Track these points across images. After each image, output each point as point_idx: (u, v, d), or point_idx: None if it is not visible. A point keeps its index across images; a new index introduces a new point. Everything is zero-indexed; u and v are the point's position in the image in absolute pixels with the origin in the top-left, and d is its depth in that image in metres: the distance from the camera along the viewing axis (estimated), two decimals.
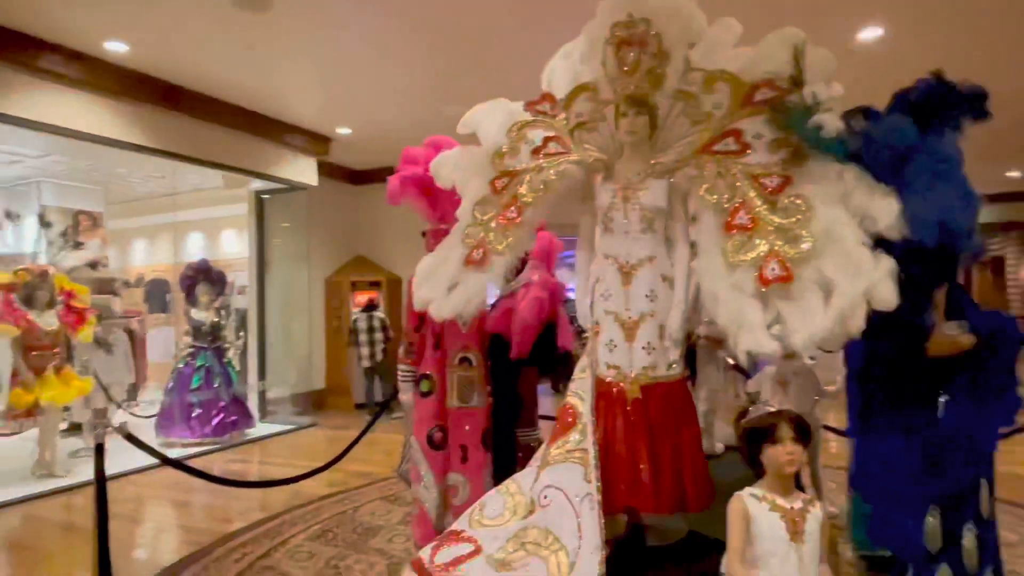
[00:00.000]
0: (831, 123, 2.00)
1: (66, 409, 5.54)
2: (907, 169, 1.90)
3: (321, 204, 8.39)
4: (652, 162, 2.35)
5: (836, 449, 4.59)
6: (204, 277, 6.69)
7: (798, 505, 1.63)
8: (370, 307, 7.96)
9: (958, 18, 4.77)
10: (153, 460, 5.15)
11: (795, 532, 1.59)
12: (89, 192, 7.96)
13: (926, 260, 1.96)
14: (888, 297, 1.81)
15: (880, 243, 1.91)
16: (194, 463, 3.45)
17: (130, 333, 6.66)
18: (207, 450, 6.14)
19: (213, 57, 5.29)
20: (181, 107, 5.95)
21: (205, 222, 9.34)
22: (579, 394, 2.43)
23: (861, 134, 2.00)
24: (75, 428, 6.09)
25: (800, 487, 1.71)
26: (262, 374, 7.78)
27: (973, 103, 2.09)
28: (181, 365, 6.58)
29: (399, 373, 3.25)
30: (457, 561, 2.24)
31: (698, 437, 2.31)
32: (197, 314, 6.65)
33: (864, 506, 2.45)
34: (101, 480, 2.65)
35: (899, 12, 4.71)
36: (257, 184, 7.67)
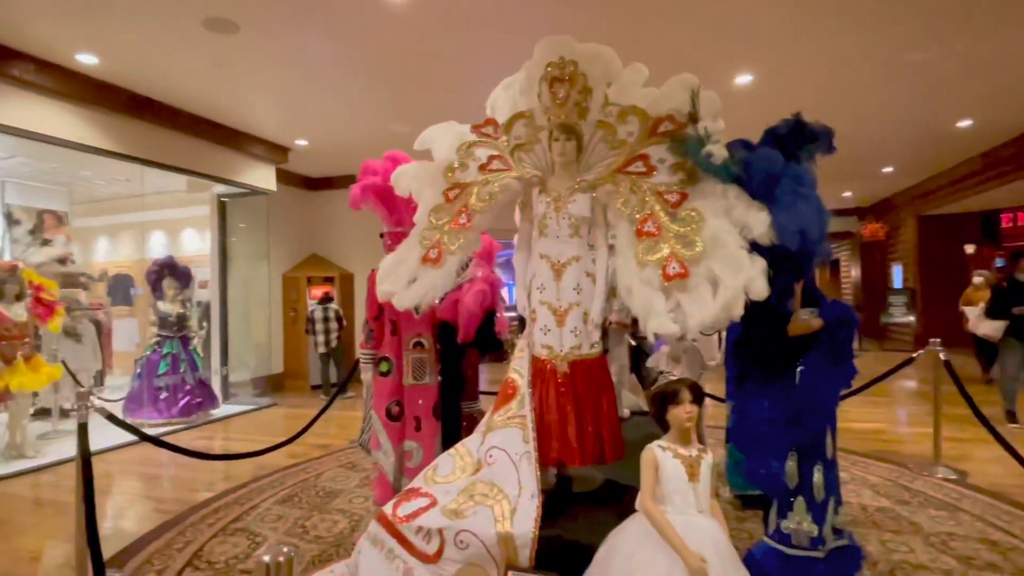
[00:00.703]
0: (718, 152, 2.16)
1: (35, 395, 5.11)
2: (775, 189, 2.09)
3: (279, 207, 8.10)
4: (578, 179, 2.44)
5: (712, 412, 4.91)
6: (170, 272, 6.32)
7: (695, 453, 1.78)
8: (325, 299, 7.76)
9: (814, 68, 5.18)
10: (118, 440, 4.89)
11: (692, 474, 1.74)
12: (54, 192, 7.31)
13: (789, 261, 2.16)
14: (761, 290, 1.99)
15: (755, 247, 2.09)
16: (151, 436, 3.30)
17: (97, 324, 6.19)
18: (174, 429, 5.82)
19: (181, 72, 5.01)
20: (148, 116, 5.59)
21: (168, 222, 8.79)
22: (518, 371, 2.51)
23: (741, 161, 2.17)
24: (43, 413, 5.63)
25: (700, 439, 1.86)
26: (224, 360, 7.42)
27: (823, 139, 2.31)
28: (149, 352, 6.19)
29: (360, 356, 3.23)
30: (416, 513, 2.27)
31: (614, 403, 2.44)
32: (164, 306, 6.27)
33: (738, 456, 2.67)
34: (86, 457, 2.50)
35: (765, 63, 5.07)
36: (219, 188, 7.30)
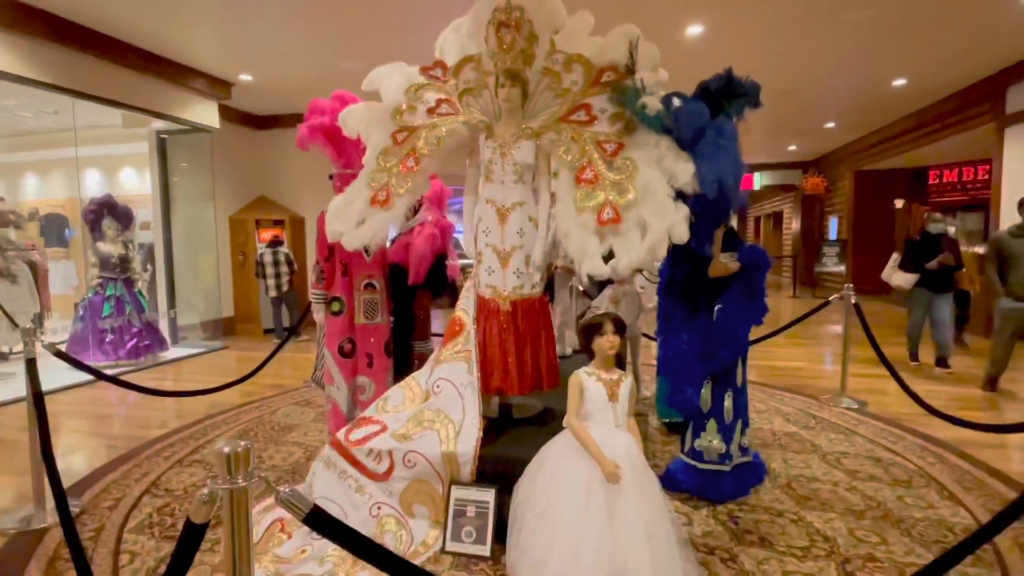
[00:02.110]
0: (652, 103, 2.29)
1: None
2: (700, 142, 2.26)
3: (224, 146, 7.79)
4: (523, 126, 2.54)
5: (654, 351, 5.28)
6: (109, 211, 6.09)
7: (615, 377, 2.01)
8: (275, 243, 7.64)
9: (762, 22, 5.31)
10: (64, 382, 4.85)
11: (612, 395, 1.97)
12: None
13: (709, 208, 2.37)
14: (683, 234, 2.18)
15: (680, 195, 2.27)
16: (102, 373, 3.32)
17: (32, 265, 5.95)
18: (122, 371, 5.77)
19: None
20: (76, 44, 5.23)
21: (103, 159, 8.31)
22: (464, 309, 2.68)
23: (673, 113, 2.32)
24: None
25: (621, 367, 2.08)
26: (172, 303, 7.30)
27: (751, 95, 2.48)
28: (91, 295, 6.03)
29: (311, 296, 3.31)
30: (367, 438, 2.46)
31: (552, 339, 2.65)
32: (104, 247, 6.07)
33: (667, 387, 2.96)
34: (38, 393, 2.54)
35: (715, 14, 5.16)
36: (158, 124, 6.95)
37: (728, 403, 2.65)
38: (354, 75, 3.28)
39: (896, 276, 5.47)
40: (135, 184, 8.05)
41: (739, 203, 2.40)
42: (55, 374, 3.65)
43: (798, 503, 2.70)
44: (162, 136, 7.26)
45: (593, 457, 1.87)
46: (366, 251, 3.27)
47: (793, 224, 15.09)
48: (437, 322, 4.68)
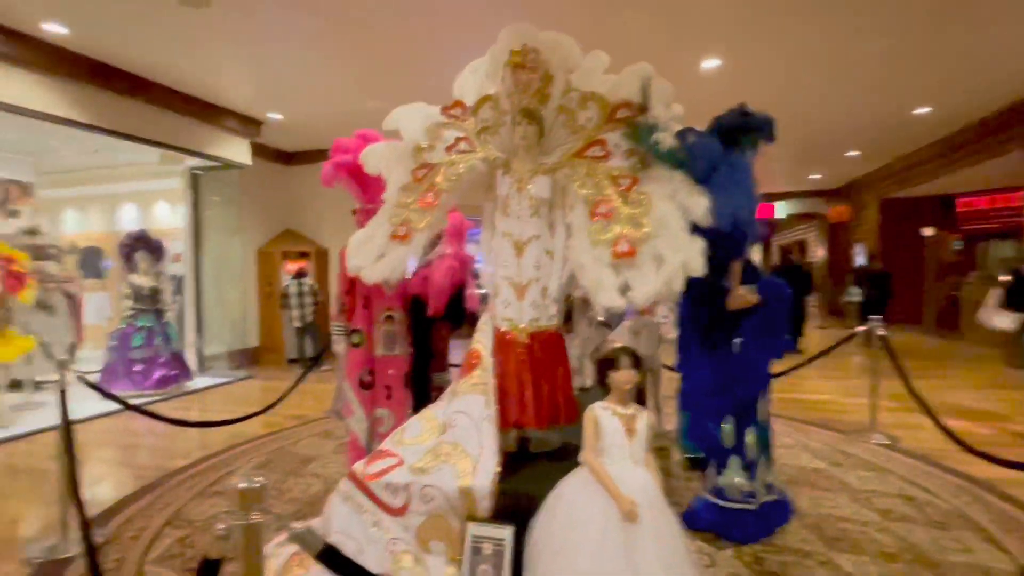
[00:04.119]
0: (666, 139, 2.34)
1: (7, 367, 5.14)
2: (714, 176, 2.28)
3: (253, 181, 8.08)
4: (539, 162, 2.60)
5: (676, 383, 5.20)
6: (143, 245, 6.32)
7: (632, 412, 1.99)
8: (300, 275, 7.83)
9: (779, 54, 5.37)
10: (93, 411, 4.97)
11: (629, 430, 1.95)
12: (19, 162, 7.19)
13: (725, 241, 2.37)
14: (698, 267, 2.19)
15: (696, 228, 2.29)
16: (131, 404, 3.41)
17: (69, 297, 6.19)
18: (149, 400, 5.90)
19: (151, 43, 4.98)
20: (117, 87, 5.54)
21: (138, 194, 8.69)
22: (481, 341, 2.70)
23: (687, 148, 2.35)
24: (15, 385, 5.66)
25: (641, 402, 2.07)
26: (199, 333, 7.48)
27: (764, 130, 2.51)
28: (123, 326, 6.23)
29: (333, 329, 3.37)
30: (384, 471, 2.46)
31: (568, 372, 2.64)
32: (137, 279, 6.29)
33: (687, 421, 2.92)
34: (67, 421, 2.62)
35: (731, 48, 5.23)
36: (192, 161, 7.26)
37: (750, 439, 2.59)
38: (377, 114, 3.37)
39: (998, 317, 4.92)
40: (168, 218, 8.36)
41: (756, 236, 2.40)
42: (86, 404, 3.77)
43: (827, 544, 2.60)
44: (195, 172, 7.57)
45: (609, 494, 1.85)
46: (385, 284, 3.34)
47: (819, 252, 14.86)
48: (456, 353, 4.72)
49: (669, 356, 4.29)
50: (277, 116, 7.14)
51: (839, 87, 6.29)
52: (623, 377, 1.94)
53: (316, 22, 4.59)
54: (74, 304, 6.30)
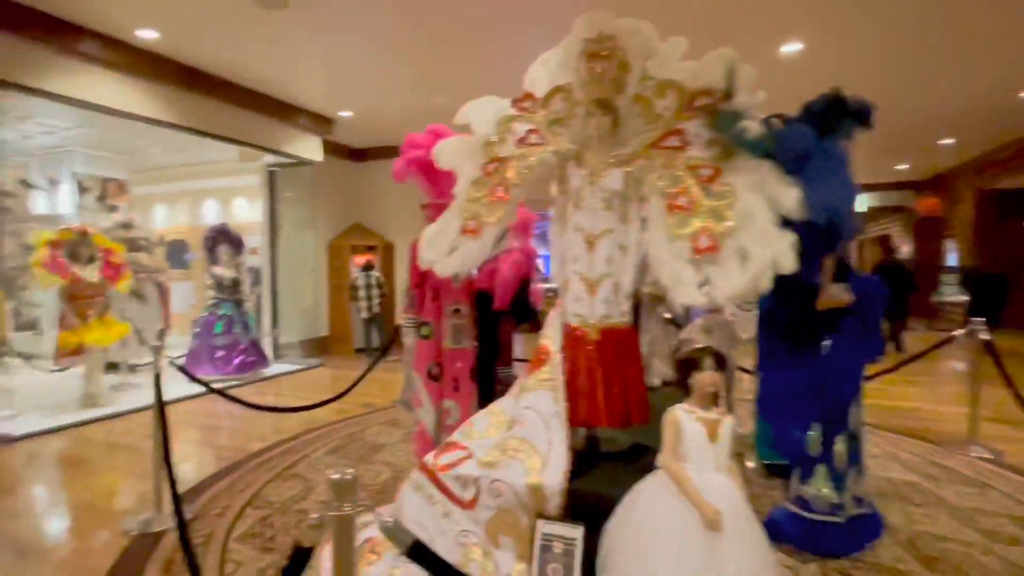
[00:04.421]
0: (753, 127, 2.19)
1: (106, 350, 5.57)
2: (806, 165, 2.12)
3: (325, 178, 8.37)
4: (613, 154, 2.51)
5: (747, 385, 4.97)
6: (224, 238, 6.69)
7: (714, 416, 1.89)
8: (368, 267, 8.06)
9: (865, 38, 5.00)
10: (179, 394, 5.29)
11: (712, 435, 1.85)
12: (115, 161, 7.76)
13: (818, 236, 2.20)
14: (789, 263, 2.04)
15: (785, 222, 2.13)
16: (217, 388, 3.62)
17: (159, 286, 6.64)
18: (229, 385, 6.24)
19: (233, 45, 5.23)
20: (202, 88, 5.86)
21: (219, 190, 9.22)
22: (550, 336, 2.65)
23: (775, 136, 2.20)
24: (112, 367, 6.12)
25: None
26: (274, 322, 7.86)
27: (860, 115, 2.31)
28: (206, 314, 6.63)
29: (403, 321, 3.42)
30: (454, 463, 2.47)
31: (640, 369, 2.55)
32: (219, 270, 6.67)
33: (767, 427, 2.76)
34: (160, 399, 2.79)
35: (814, 30, 4.91)
36: (268, 158, 7.60)
37: (840, 447, 2.42)
38: (445, 109, 3.39)
39: None
40: (246, 213, 8.81)
41: (853, 230, 2.22)
42: (172, 386, 4.04)
43: (925, 565, 2.40)
44: (272, 169, 7.92)
45: (691, 501, 1.76)
46: (455, 278, 3.35)
47: (904, 248, 13.82)
48: (518, 348, 4.70)
49: (743, 356, 4.12)
50: (347, 114, 7.35)
51: (934, 68, 5.78)
52: (706, 379, 1.84)
53: (386, 19, 4.67)
54: (163, 293, 6.75)
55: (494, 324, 3.60)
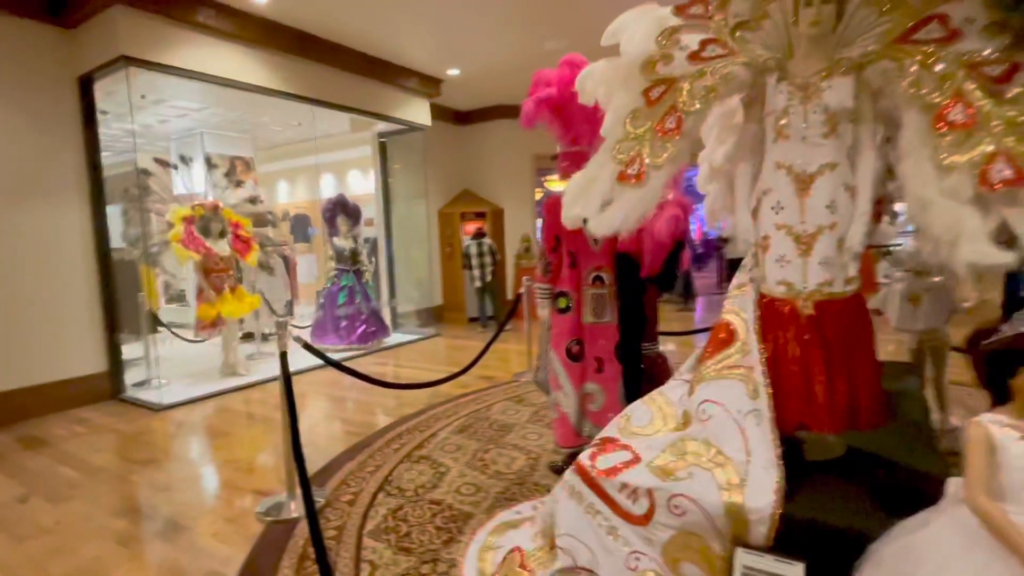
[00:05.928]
0: None
1: (240, 321, 5.72)
2: None
3: (433, 143, 8.08)
4: (836, 57, 1.80)
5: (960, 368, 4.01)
6: (342, 210, 6.64)
7: None
8: (479, 235, 7.73)
9: None
10: (308, 363, 5.29)
11: None
12: (241, 140, 7.99)
13: None
14: None
15: None
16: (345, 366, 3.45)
17: (285, 259, 6.75)
18: (354, 355, 6.26)
19: (342, 5, 4.94)
20: (313, 55, 5.69)
21: (335, 164, 9.27)
22: (737, 312, 2.04)
23: None
24: (247, 336, 6.34)
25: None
26: (392, 293, 7.83)
27: None
28: (329, 285, 6.66)
29: (537, 290, 2.95)
30: (618, 468, 1.97)
31: (874, 356, 1.88)
32: (338, 241, 6.65)
33: None
34: (288, 380, 2.57)
35: None
36: (379, 127, 7.43)
37: None
38: (559, 54, 2.87)
39: None
40: (360, 184, 8.81)
41: None
42: (301, 356, 3.99)
43: None
44: (382, 139, 7.76)
45: (1019, 559, 1.12)
46: (595, 240, 2.81)
47: None
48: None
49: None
50: (455, 72, 6.93)
51: None
52: None
53: None
54: (289, 265, 6.86)
55: (640, 293, 3.04)
